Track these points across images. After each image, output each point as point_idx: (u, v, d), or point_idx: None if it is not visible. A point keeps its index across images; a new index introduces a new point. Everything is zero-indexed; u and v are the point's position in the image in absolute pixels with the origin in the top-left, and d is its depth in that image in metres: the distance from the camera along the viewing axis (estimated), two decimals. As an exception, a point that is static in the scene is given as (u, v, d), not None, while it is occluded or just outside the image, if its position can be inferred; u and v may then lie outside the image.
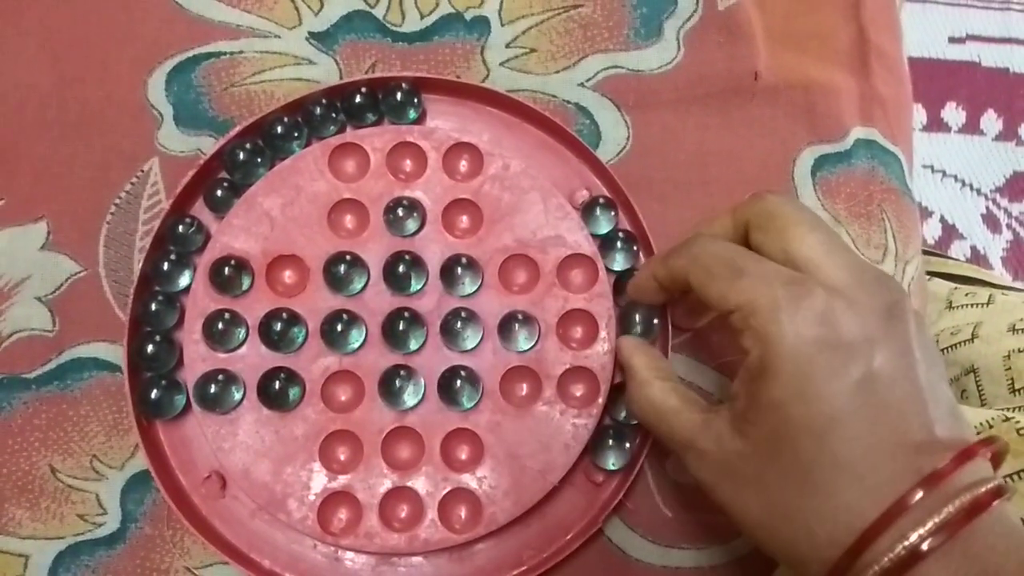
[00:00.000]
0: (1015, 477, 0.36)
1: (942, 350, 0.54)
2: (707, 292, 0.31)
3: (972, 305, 0.58)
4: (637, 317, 0.38)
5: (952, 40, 1.28)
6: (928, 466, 0.26)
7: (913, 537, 0.25)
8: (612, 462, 0.38)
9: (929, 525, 0.25)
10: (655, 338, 0.39)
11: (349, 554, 0.38)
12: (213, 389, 0.37)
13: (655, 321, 0.39)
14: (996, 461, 0.29)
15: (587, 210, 0.40)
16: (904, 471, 0.26)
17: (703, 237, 0.33)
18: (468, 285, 0.39)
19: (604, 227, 0.40)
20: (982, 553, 0.25)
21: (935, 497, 0.26)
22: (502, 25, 0.44)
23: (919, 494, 0.26)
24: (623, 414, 0.39)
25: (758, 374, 0.29)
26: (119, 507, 0.39)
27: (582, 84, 0.43)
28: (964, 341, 0.53)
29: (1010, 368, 0.49)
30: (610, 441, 0.38)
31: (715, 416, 0.31)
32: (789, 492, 0.28)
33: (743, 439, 0.29)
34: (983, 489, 0.26)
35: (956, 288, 0.62)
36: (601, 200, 0.40)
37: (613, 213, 0.40)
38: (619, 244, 0.40)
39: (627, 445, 0.38)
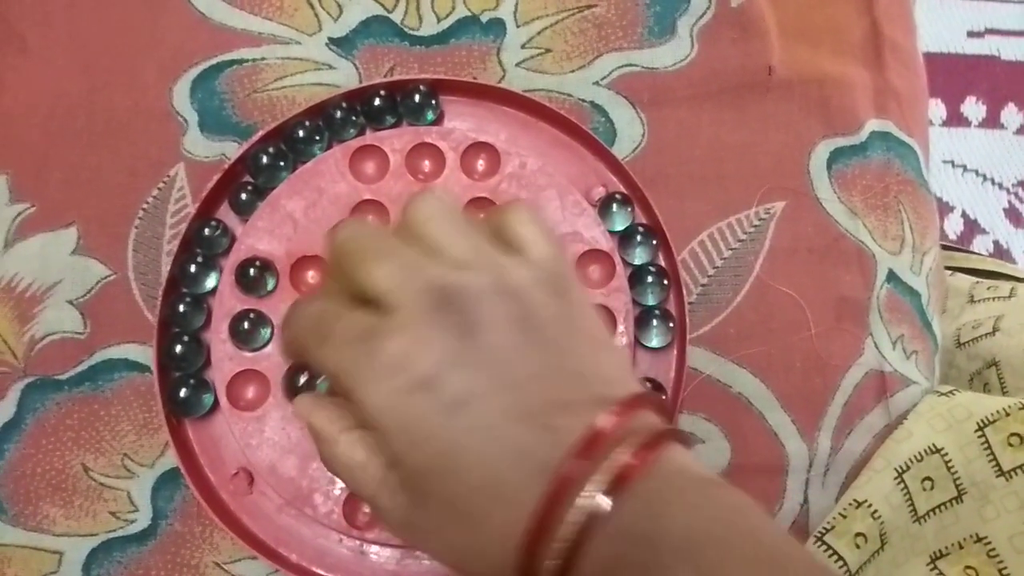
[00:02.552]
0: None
1: (964, 344, 0.54)
2: (309, 361, 0.30)
3: (994, 299, 0.57)
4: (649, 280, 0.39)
5: (971, 34, 1.27)
6: (559, 433, 0.26)
7: (573, 518, 0.24)
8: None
9: (594, 486, 0.25)
10: (671, 338, 0.39)
11: (374, 547, 0.39)
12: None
13: (664, 318, 0.39)
14: (663, 413, 0.29)
15: (604, 206, 0.41)
16: (536, 455, 0.26)
17: (301, 303, 0.31)
18: None
19: (621, 223, 0.41)
20: (648, 508, 0.25)
21: (595, 463, 0.25)
22: (517, 26, 0.44)
23: (571, 460, 0.25)
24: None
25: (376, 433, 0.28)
26: (150, 504, 0.40)
27: (597, 83, 0.44)
28: (986, 334, 0.53)
29: (1032, 360, 0.48)
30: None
31: (390, 471, 0.29)
32: (455, 535, 0.27)
33: (402, 493, 0.28)
34: (640, 441, 0.25)
35: (978, 282, 0.62)
36: (617, 196, 0.41)
37: (629, 209, 0.41)
38: (638, 238, 0.40)
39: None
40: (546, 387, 0.27)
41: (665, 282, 0.40)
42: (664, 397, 0.31)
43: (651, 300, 0.40)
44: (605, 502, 0.25)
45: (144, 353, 0.40)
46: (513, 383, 0.27)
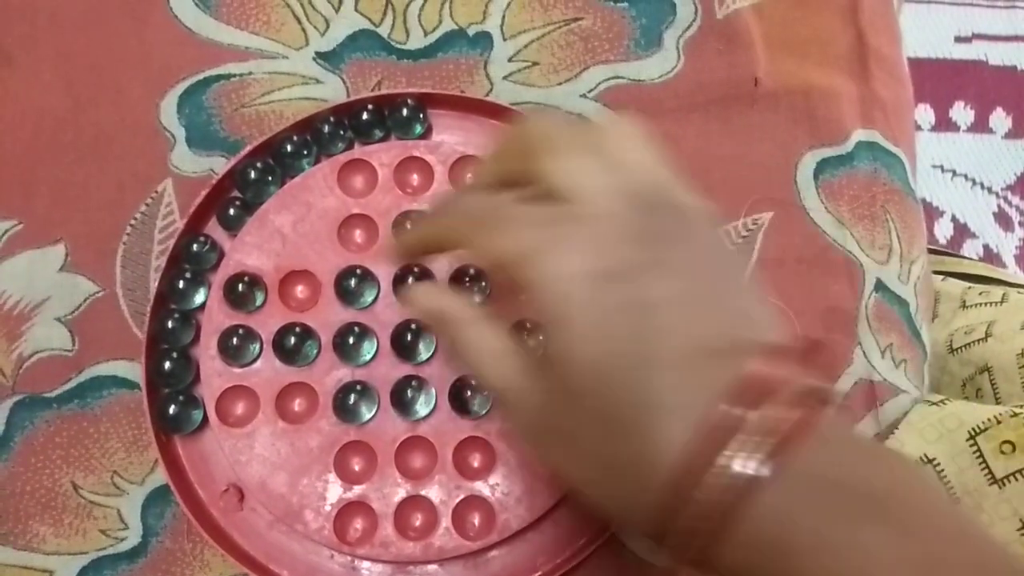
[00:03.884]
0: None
1: (956, 349, 0.54)
2: (474, 247, 0.28)
3: (986, 304, 0.58)
4: None
5: (958, 39, 1.28)
6: (729, 373, 0.24)
7: (737, 463, 0.23)
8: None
9: (752, 446, 0.23)
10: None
11: (366, 563, 0.38)
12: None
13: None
14: (828, 369, 0.26)
15: (592, 219, 0.41)
16: (702, 387, 0.24)
17: (467, 192, 0.30)
18: (476, 294, 0.39)
19: (609, 235, 0.41)
20: (822, 470, 0.23)
21: (753, 414, 0.23)
22: (504, 40, 0.44)
23: (727, 407, 0.23)
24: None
25: (544, 324, 0.26)
26: (140, 522, 0.39)
27: (584, 95, 0.44)
28: (978, 340, 0.53)
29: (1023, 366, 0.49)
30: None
31: (543, 366, 0.28)
32: (601, 441, 0.26)
33: (549, 391, 0.27)
34: (808, 397, 0.24)
35: (970, 287, 0.62)
36: (606, 209, 0.41)
37: (618, 221, 0.41)
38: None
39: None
40: (730, 323, 0.26)
41: None
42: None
43: None
44: (764, 468, 0.23)
45: (133, 370, 0.40)
46: (705, 301, 0.25)
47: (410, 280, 0.39)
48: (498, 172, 0.30)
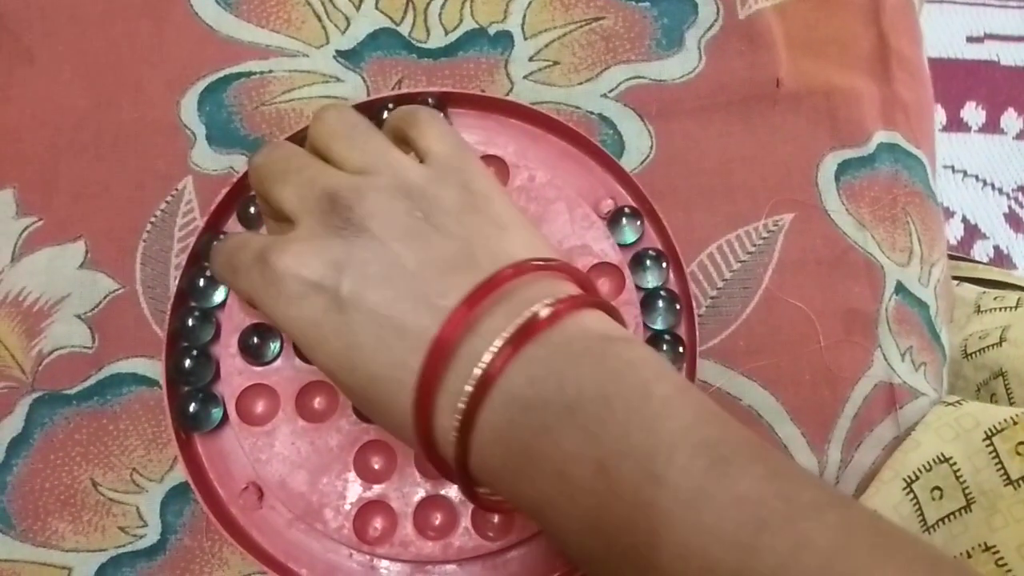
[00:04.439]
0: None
1: (970, 354, 0.54)
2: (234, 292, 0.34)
3: (1000, 309, 0.58)
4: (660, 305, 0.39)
5: (970, 39, 1.28)
6: (448, 300, 0.27)
7: (485, 357, 0.26)
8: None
9: (496, 341, 0.26)
10: (681, 358, 0.39)
11: (384, 562, 0.38)
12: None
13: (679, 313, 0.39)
14: (586, 287, 0.30)
15: (613, 220, 0.41)
16: (423, 324, 0.27)
17: (220, 240, 0.36)
18: None
19: (630, 236, 0.41)
20: (548, 357, 0.26)
21: (497, 316, 0.27)
22: (525, 39, 0.44)
23: (447, 325, 0.26)
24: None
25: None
26: (159, 519, 0.39)
27: (605, 95, 0.44)
28: (992, 345, 0.53)
29: (1038, 370, 0.48)
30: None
31: None
32: (378, 421, 0.30)
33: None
34: (554, 299, 0.27)
35: (984, 292, 0.62)
36: (626, 209, 0.41)
37: (639, 222, 0.41)
38: (648, 262, 0.40)
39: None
40: (442, 271, 0.28)
41: (676, 306, 0.40)
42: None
43: (660, 325, 0.40)
44: (492, 364, 0.26)
45: (153, 367, 0.40)
46: (405, 274, 0.28)
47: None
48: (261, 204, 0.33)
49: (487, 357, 0.26)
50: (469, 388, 0.26)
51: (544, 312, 0.26)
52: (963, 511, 0.40)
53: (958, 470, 0.40)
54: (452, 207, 0.29)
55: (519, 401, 0.26)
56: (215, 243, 0.33)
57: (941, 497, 0.40)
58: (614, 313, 0.29)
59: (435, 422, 0.27)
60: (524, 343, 0.26)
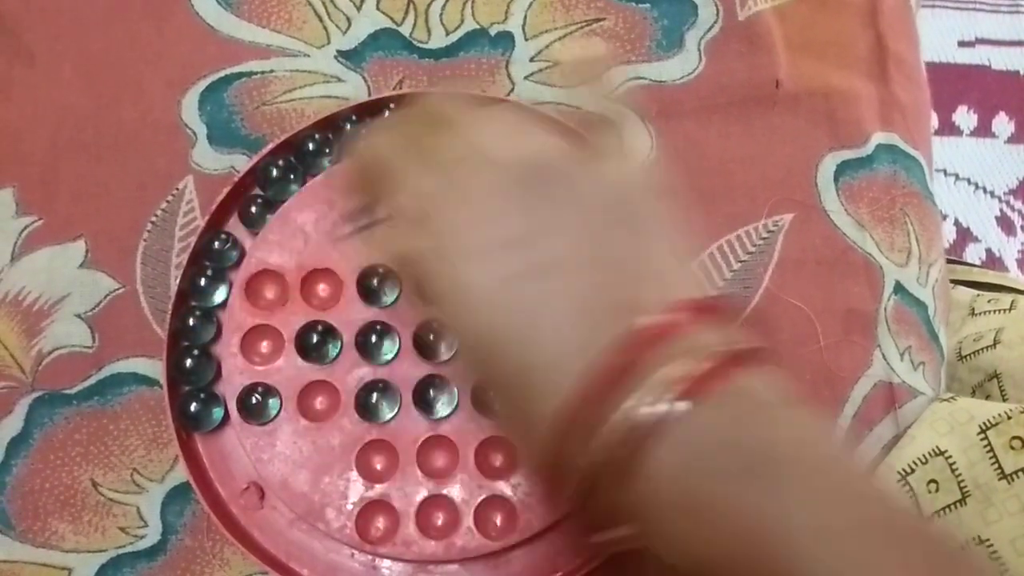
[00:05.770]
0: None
1: (965, 357, 0.54)
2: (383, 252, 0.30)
3: (995, 311, 0.58)
4: None
5: (962, 44, 1.28)
6: (619, 327, 0.24)
7: (630, 403, 0.23)
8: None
9: (650, 394, 0.23)
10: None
11: (386, 562, 0.38)
12: (253, 401, 0.37)
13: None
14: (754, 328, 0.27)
15: (614, 219, 0.41)
16: (588, 342, 0.24)
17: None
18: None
19: (631, 236, 0.41)
20: (719, 428, 0.23)
21: (657, 362, 0.23)
22: (526, 40, 0.44)
23: (616, 356, 0.24)
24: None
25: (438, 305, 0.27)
26: (160, 519, 0.39)
27: (605, 95, 0.44)
28: (987, 347, 0.53)
29: (1032, 372, 0.49)
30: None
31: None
32: (505, 399, 0.27)
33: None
34: (723, 350, 0.24)
35: (979, 295, 0.63)
36: (628, 209, 0.41)
37: (640, 222, 0.41)
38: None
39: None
40: (627, 279, 0.26)
41: None
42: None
43: None
44: (676, 407, 0.23)
45: (153, 367, 0.40)
46: (599, 262, 0.26)
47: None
48: (363, 201, 0.31)
49: (681, 385, 0.23)
50: (661, 408, 0.23)
51: (721, 362, 0.24)
52: (958, 504, 0.40)
53: (954, 463, 0.40)
54: (647, 215, 0.28)
55: (695, 445, 0.24)
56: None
57: (937, 490, 0.40)
58: (774, 359, 0.27)
59: (600, 428, 0.24)
60: (705, 391, 0.24)
